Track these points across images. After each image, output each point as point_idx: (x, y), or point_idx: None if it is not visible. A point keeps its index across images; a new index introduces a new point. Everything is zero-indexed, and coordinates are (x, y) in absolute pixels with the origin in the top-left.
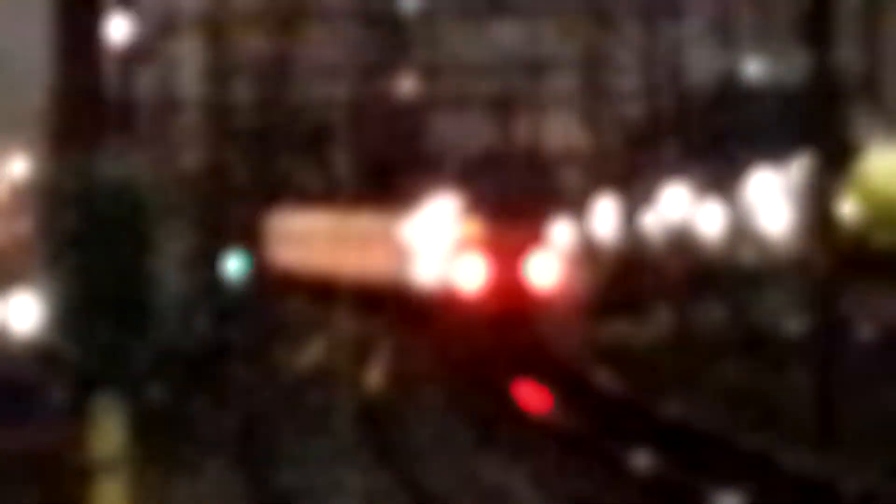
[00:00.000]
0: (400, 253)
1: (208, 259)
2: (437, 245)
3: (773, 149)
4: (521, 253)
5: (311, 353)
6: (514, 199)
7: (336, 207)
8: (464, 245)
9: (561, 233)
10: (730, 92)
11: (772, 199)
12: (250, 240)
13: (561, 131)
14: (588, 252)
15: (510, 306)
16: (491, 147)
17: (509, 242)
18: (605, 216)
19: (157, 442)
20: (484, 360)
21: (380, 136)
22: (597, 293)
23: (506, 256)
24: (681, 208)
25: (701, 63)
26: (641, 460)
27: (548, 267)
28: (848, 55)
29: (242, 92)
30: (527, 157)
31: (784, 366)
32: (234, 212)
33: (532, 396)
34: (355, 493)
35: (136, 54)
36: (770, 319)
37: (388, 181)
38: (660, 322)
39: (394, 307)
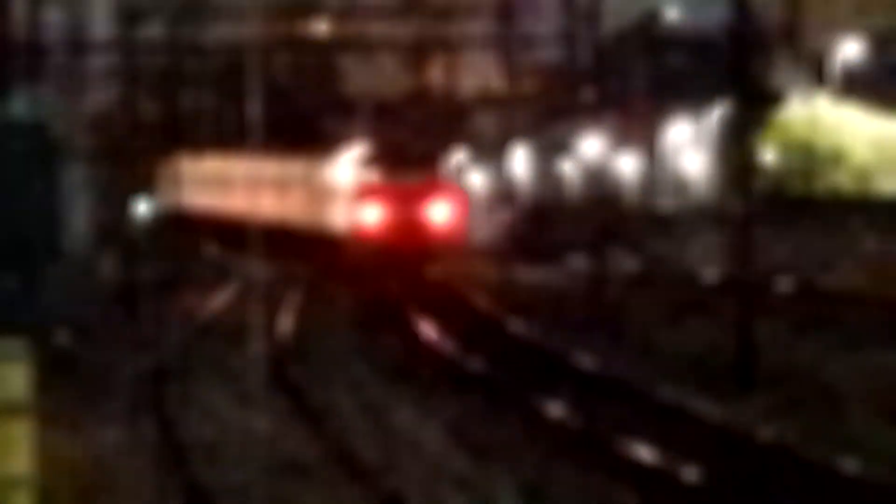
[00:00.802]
0: (312, 197)
1: (118, 201)
2: (345, 189)
3: (693, 95)
4: (417, 198)
5: (222, 296)
6: (413, 147)
7: (248, 152)
8: (366, 191)
9: (474, 177)
10: (649, 37)
11: (690, 146)
12: (160, 182)
13: (476, 76)
14: (505, 196)
15: (407, 245)
16: (405, 91)
17: (407, 188)
18: (522, 161)
19: (64, 386)
20: (386, 293)
21: (293, 79)
22: (512, 238)
23: (403, 201)
24: (598, 155)
25: (620, 7)
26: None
27: (442, 210)
28: (769, 2)
29: (153, 32)
30: (441, 101)
31: (697, 312)
32: (144, 154)
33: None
34: (261, 440)
35: None
36: (686, 266)
37: (301, 125)
38: (573, 267)
39: (304, 249)
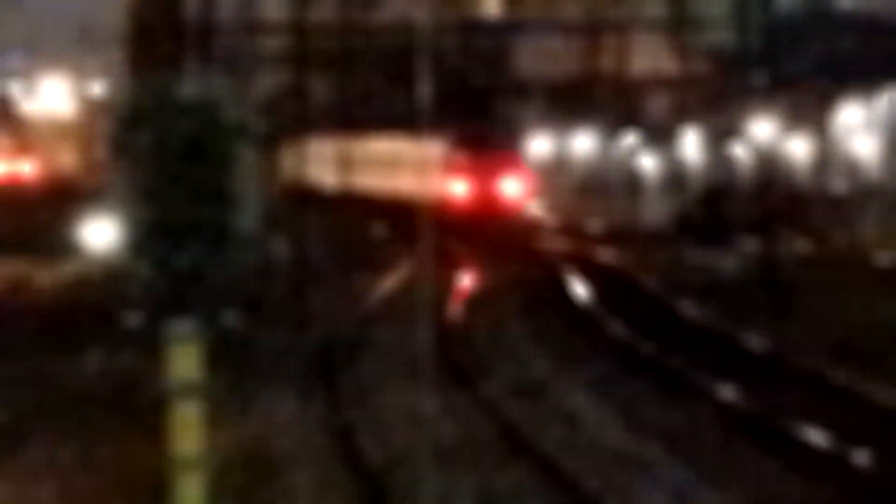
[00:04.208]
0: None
1: (287, 181)
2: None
3: (866, 78)
4: (495, 175)
5: (392, 275)
6: (493, 134)
7: (417, 134)
8: (455, 169)
9: (645, 160)
10: (822, 19)
11: (861, 129)
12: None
13: (647, 59)
14: (677, 179)
15: (487, 212)
16: (576, 74)
17: (487, 167)
18: (693, 145)
19: (234, 368)
20: (471, 243)
21: (464, 62)
22: (683, 221)
23: (484, 177)
24: (769, 138)
25: None
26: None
27: (515, 185)
28: None
29: (323, 14)
30: (613, 84)
31: (869, 293)
32: (314, 135)
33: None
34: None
35: None
36: (858, 248)
37: (472, 107)
38: (744, 250)
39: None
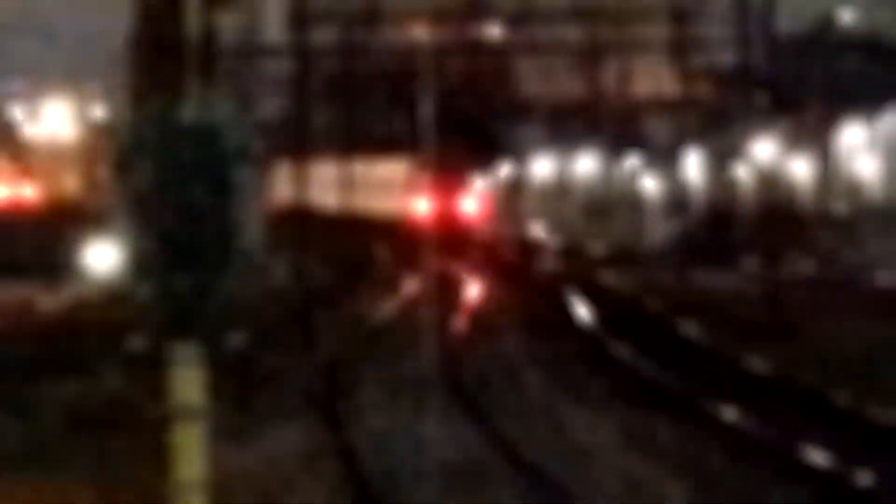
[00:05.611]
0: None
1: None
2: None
3: (868, 98)
4: (454, 194)
5: (394, 298)
6: (453, 157)
7: (419, 156)
8: (418, 188)
9: (647, 182)
10: (824, 40)
11: (864, 149)
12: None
13: (649, 80)
14: (679, 201)
15: (446, 228)
16: (579, 95)
17: (447, 187)
18: (695, 166)
19: (237, 391)
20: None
21: (466, 83)
22: (686, 242)
23: (444, 197)
24: (771, 159)
25: (794, 10)
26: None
27: (472, 204)
28: None
29: (326, 36)
30: (615, 105)
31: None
32: (316, 157)
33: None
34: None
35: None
36: (862, 268)
37: (473, 129)
38: (747, 271)
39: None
